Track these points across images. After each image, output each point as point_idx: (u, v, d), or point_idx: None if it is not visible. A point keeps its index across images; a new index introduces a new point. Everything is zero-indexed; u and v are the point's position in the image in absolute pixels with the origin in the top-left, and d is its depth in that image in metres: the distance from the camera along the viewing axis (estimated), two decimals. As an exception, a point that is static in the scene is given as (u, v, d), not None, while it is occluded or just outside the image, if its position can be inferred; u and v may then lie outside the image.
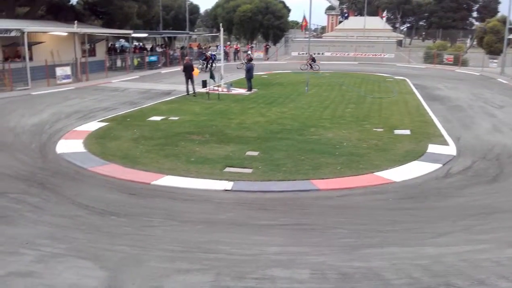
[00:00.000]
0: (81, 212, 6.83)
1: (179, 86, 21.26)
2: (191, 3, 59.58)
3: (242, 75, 22.90)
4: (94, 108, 16.07)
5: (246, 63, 22.43)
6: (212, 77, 19.32)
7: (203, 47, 35.14)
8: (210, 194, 7.81)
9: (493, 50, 38.78)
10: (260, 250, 5.61)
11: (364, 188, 8.27)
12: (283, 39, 55.31)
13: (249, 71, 20.93)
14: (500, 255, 5.47)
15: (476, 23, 70.53)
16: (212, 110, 15.87)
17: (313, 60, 31.39)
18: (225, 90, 20.34)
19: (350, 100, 18.75)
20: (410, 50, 48.30)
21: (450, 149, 10.88)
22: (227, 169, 9.13)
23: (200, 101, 17.82)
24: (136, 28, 36.22)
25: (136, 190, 7.93)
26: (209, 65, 28.95)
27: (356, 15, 75.68)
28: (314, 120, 14.32)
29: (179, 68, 30.48)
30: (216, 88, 19.60)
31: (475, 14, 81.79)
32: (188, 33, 45.47)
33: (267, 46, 48.13)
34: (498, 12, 71.79)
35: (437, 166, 9.55)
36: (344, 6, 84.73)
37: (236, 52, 43.10)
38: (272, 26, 53.29)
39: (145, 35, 37.63)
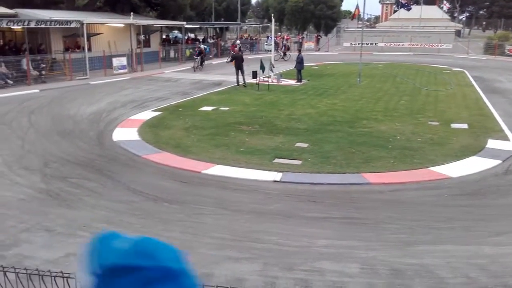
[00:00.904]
0: (136, 198, 7.07)
1: (229, 77, 21.43)
2: (243, -6, 59.74)
3: (291, 66, 22.74)
4: (148, 97, 16.53)
5: (229, 59, 24.85)
6: (262, 67, 19.33)
7: (199, 42, 33.49)
8: (259, 184, 7.85)
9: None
10: (309, 242, 5.59)
11: (417, 183, 8.00)
12: (335, 29, 54.39)
13: (301, 62, 20.74)
14: None
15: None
16: (262, 101, 15.90)
17: (288, 48, 32.58)
18: (275, 81, 20.30)
19: (405, 92, 18.17)
20: (469, 41, 46.04)
21: (511, 145, 10.31)
22: (276, 160, 9.13)
23: (250, 92, 17.90)
24: (189, 20, 36.85)
25: (187, 178, 8.11)
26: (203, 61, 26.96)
27: (412, 4, 72.99)
28: (366, 112, 14.01)
29: (230, 59, 30.81)
30: (266, 78, 19.60)
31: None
32: (239, 24, 45.71)
33: (318, 37, 47.52)
34: None
35: (497, 162, 9.08)
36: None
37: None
38: (324, 16, 52.55)
39: (197, 26, 38.18)
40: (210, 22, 45.21)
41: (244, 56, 21.34)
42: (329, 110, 14.41)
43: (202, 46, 28.61)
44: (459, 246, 5.53)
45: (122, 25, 25.99)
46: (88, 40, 22.97)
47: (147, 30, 29.09)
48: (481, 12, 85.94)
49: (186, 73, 24.50)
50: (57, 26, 20.77)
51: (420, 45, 40.67)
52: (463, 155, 9.53)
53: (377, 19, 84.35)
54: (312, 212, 6.70)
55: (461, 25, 75.68)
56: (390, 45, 41.16)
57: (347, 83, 20.84)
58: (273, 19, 22.35)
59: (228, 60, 27.98)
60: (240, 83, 19.31)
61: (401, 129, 11.80)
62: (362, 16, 29.14)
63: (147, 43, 29.10)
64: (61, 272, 2.13)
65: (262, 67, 19.17)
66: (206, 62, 30.07)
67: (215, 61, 30.97)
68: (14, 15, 20.63)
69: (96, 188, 7.45)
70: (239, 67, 19.20)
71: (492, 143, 10.39)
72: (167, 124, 12.20)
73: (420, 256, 5.23)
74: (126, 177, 8.04)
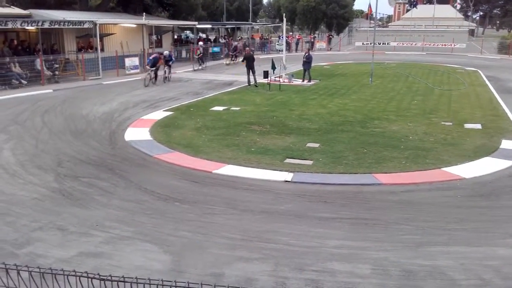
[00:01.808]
0: (147, 197, 7.11)
1: (241, 77, 21.46)
2: (254, -6, 59.72)
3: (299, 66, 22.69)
4: (160, 98, 16.61)
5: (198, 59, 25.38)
6: (273, 67, 19.31)
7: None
8: (270, 184, 7.84)
9: None
10: (320, 243, 5.56)
11: (430, 184, 7.92)
12: (346, 29, 54.13)
13: (308, 62, 20.65)
14: None
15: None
16: (273, 101, 15.89)
17: (236, 49, 30.48)
18: (286, 80, 20.27)
19: (417, 92, 18.03)
20: (483, 40, 45.50)
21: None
22: (287, 160, 9.12)
23: (261, 92, 17.89)
24: (200, 20, 36.98)
25: (198, 178, 8.13)
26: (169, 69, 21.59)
27: (425, 3, 72.35)
28: (378, 112, 13.92)
29: (241, 59, 30.76)
30: (277, 78, 19.58)
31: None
32: (251, 24, 45.72)
33: (330, 36, 47.33)
34: None
35: (511, 163, 8.96)
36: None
37: (298, 42, 42.72)
38: (336, 16, 52.33)
39: (209, 26, 38.30)
40: (222, 22, 45.28)
41: (255, 56, 21.33)
42: (340, 110, 14.35)
43: (200, 44, 28.81)
44: (472, 248, 5.46)
45: (135, 26, 26.16)
46: (101, 40, 23.18)
47: (159, 31, 29.25)
48: (495, 11, 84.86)
49: (197, 73, 24.58)
50: (71, 26, 20.98)
51: (433, 45, 40.31)
52: (477, 155, 9.41)
53: (389, 18, 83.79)
54: (323, 212, 6.67)
55: (474, 24, 74.80)
56: (403, 44, 40.87)
57: (358, 83, 20.74)
58: (284, 19, 22.30)
59: (238, 60, 27.91)
60: (251, 83, 19.33)
61: (413, 129, 11.71)
62: (374, 16, 28.93)
63: (159, 43, 29.25)
64: (74, 271, 2.15)
65: (273, 67, 19.16)
66: (216, 62, 30.17)
67: (226, 61, 30.98)
68: (28, 16, 20.89)
69: (108, 188, 7.50)
70: (250, 67, 19.22)
71: (506, 144, 10.26)
72: (178, 124, 12.25)
73: (432, 257, 5.17)
74: (138, 177, 8.09)
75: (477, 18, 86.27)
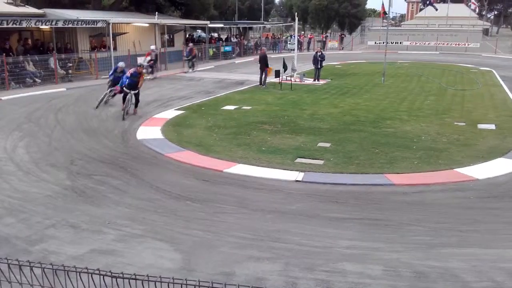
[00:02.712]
0: (159, 195, 7.15)
1: (252, 76, 21.46)
2: (266, -7, 59.67)
3: (309, 65, 22.61)
4: (172, 96, 16.69)
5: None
6: (284, 67, 19.28)
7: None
8: (280, 184, 7.83)
9: None
10: (331, 243, 5.54)
11: (443, 184, 7.84)
12: (359, 28, 53.83)
13: (321, 60, 20.59)
14: None
15: None
16: (284, 100, 15.86)
17: (192, 53, 24.18)
18: (297, 80, 20.23)
19: (430, 92, 17.86)
20: (497, 40, 44.90)
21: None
22: (298, 160, 9.10)
23: (272, 91, 17.88)
24: (212, 19, 37.07)
25: (209, 176, 8.15)
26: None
27: (438, 2, 71.66)
28: (390, 112, 13.83)
29: (253, 58, 30.78)
30: (289, 78, 19.54)
31: None
32: (262, 23, 45.71)
33: (342, 36, 47.13)
34: None
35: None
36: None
37: (310, 41, 42.61)
38: (348, 15, 52.08)
39: (221, 25, 38.42)
40: (233, 21, 45.31)
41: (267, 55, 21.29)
42: (352, 109, 14.28)
43: (191, 45, 25.35)
44: (485, 250, 5.40)
45: (147, 25, 26.30)
46: (114, 39, 23.35)
47: (171, 30, 29.38)
48: (509, 10, 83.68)
49: (209, 72, 24.65)
50: (84, 25, 21.18)
51: (447, 44, 39.90)
52: (490, 156, 9.30)
53: (402, 17, 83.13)
54: (334, 212, 6.65)
55: (489, 24, 73.83)
56: (416, 44, 40.53)
57: (371, 82, 20.62)
58: (296, 18, 22.24)
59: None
60: (264, 83, 19.22)
61: (426, 129, 11.61)
62: (387, 14, 28.72)
63: (171, 43, 29.39)
64: (86, 268, 2.17)
65: (285, 67, 19.12)
66: (228, 61, 30.17)
67: (238, 60, 31.06)
68: (42, 15, 21.13)
69: (120, 186, 7.56)
70: (263, 67, 19.10)
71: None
72: (189, 123, 12.30)
73: (444, 259, 5.12)
74: (150, 175, 8.14)
75: (491, 17, 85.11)
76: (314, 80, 20.52)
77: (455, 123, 12.32)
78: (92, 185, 7.56)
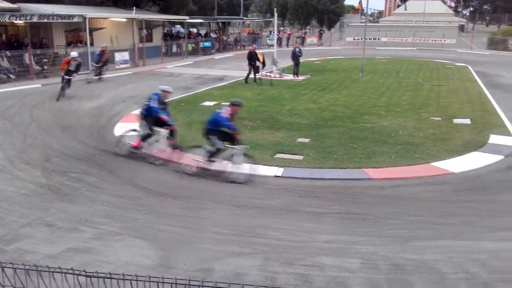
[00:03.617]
0: (137, 192, 7.08)
1: (232, 72, 21.41)
2: (246, -11, 59.44)
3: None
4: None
5: None
6: (263, 63, 19.24)
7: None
8: (260, 179, 7.83)
9: None
10: (310, 238, 5.58)
11: (419, 178, 7.98)
12: (337, 24, 54.13)
13: (300, 56, 20.66)
14: None
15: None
16: (263, 96, 15.86)
17: (103, 59, 18.78)
18: (277, 76, 20.25)
19: (407, 87, 18.10)
20: (472, 36, 45.79)
21: (515, 140, 10.28)
22: (278, 155, 9.12)
23: (252, 87, 17.86)
24: (191, 14, 36.70)
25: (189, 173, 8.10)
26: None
27: (415, -1, 72.55)
28: (368, 108, 13.97)
29: (232, 54, 30.70)
30: (268, 74, 19.54)
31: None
32: (242, 19, 45.54)
33: (321, 32, 47.33)
34: None
35: (499, 157, 9.05)
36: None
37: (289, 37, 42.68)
38: (327, 11, 52.27)
39: (200, 20, 38.08)
40: (213, 17, 45.03)
41: (246, 51, 21.23)
42: (331, 105, 14.37)
43: (105, 46, 19.44)
44: (460, 242, 5.52)
45: (125, 20, 25.93)
46: (90, 34, 22.92)
47: (150, 25, 29.02)
48: (485, 6, 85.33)
49: (188, 68, 24.47)
50: (60, 20, 20.74)
51: (424, 40, 40.46)
52: (465, 150, 9.49)
53: (380, 13, 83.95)
54: (313, 207, 6.70)
55: (465, 20, 75.18)
56: (393, 40, 40.95)
57: (349, 78, 20.78)
58: (275, 14, 22.25)
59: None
60: (249, 79, 19.03)
61: (403, 124, 11.77)
62: (365, 11, 28.93)
63: (149, 38, 29.04)
64: (59, 268, 2.13)
65: (264, 63, 19.09)
66: (208, 57, 29.96)
67: (217, 56, 30.90)
68: (17, 10, 20.61)
69: (97, 183, 7.45)
70: (252, 64, 18.90)
71: (494, 139, 10.35)
72: (168, 119, 12.18)
73: (420, 251, 5.22)
74: (127, 172, 8.05)
75: (467, 14, 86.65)
76: (294, 76, 20.58)
77: (432, 118, 12.53)
78: (68, 183, 7.43)
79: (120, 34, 25.32)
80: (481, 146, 9.80)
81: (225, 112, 7.89)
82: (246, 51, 21.06)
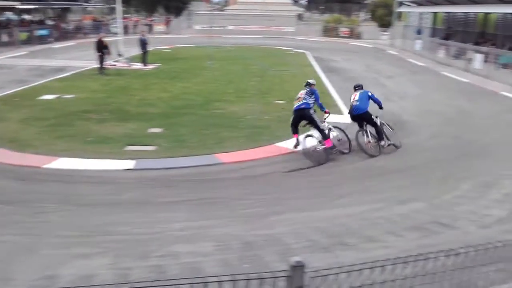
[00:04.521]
0: (-38, 203, 6.17)
1: (73, 62, 19.90)
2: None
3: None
4: None
5: None
6: (106, 51, 18.18)
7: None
8: (110, 174, 7.50)
9: (384, 23, 41.24)
10: (163, 228, 5.52)
11: (266, 159, 8.47)
12: (185, 12, 53.93)
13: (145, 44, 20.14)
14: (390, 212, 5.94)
15: (370, -2, 74.27)
16: (111, 87, 15.11)
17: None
18: (125, 65, 19.43)
19: (254, 73, 18.92)
20: (309, 24, 49.80)
21: (345, 118, 11.49)
22: (129, 148, 8.82)
23: (98, 78, 16.85)
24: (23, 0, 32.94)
25: (26, 175, 7.36)
26: None
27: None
28: (218, 95, 14.26)
29: (74, 42, 28.59)
30: (113, 63, 18.61)
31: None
32: (81, 5, 42.44)
33: (168, 19, 46.66)
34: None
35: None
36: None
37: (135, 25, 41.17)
38: (173, -2, 51.60)
39: (33, 6, 34.44)
40: (48, 3, 41.04)
41: (89, 40, 19.90)
42: (182, 93, 14.33)
43: None
44: (304, 213, 5.99)
45: None
46: None
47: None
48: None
49: (22, 59, 22.02)
50: None
51: (267, 28, 42.67)
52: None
53: (226, 2, 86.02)
54: (167, 197, 6.64)
55: (302, 9, 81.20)
56: (240, 28, 42.34)
57: (199, 66, 20.92)
58: (119, 0, 21.22)
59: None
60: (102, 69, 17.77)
61: (251, 109, 12.30)
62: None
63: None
64: None
65: (107, 51, 18.04)
66: (45, 46, 27.37)
67: (56, 45, 28.38)
68: None
69: None
70: (101, 53, 17.61)
71: (329, 118, 11.42)
72: (0, 116, 10.85)
73: (270, 226, 5.54)
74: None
75: (305, 3, 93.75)
76: (143, 65, 19.95)
77: (276, 101, 13.31)
78: None
79: None
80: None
81: None
82: (90, 40, 19.73)
